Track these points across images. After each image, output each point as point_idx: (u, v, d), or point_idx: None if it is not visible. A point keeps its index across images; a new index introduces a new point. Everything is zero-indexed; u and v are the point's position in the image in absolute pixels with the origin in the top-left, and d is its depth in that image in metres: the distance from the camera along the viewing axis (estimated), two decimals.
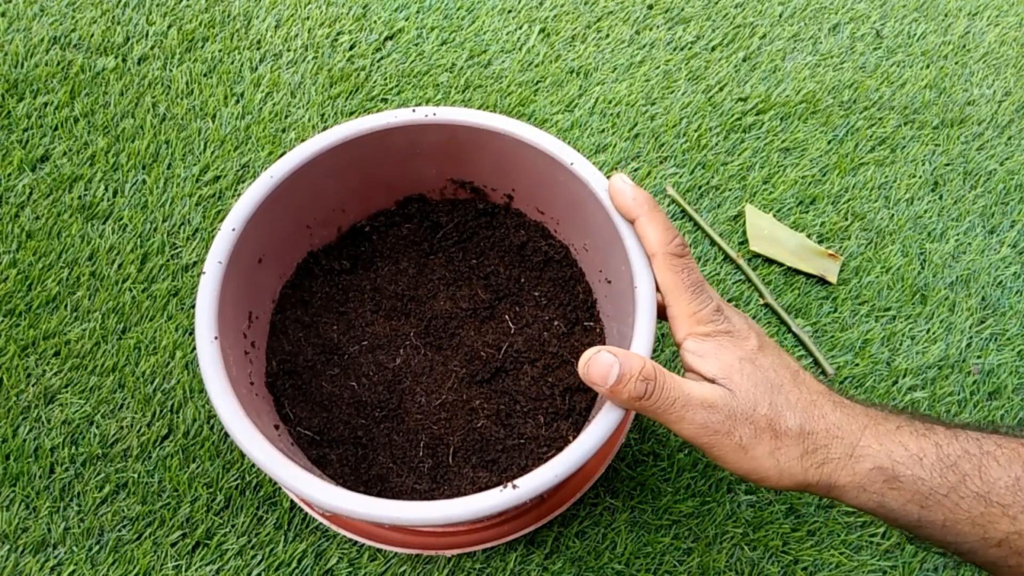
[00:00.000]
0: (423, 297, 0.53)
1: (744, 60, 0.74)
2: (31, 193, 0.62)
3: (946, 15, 0.79)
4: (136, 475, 0.53)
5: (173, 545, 0.51)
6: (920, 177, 0.70)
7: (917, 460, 0.35)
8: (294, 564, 0.51)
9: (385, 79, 0.70)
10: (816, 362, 0.61)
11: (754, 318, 0.63)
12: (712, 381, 0.37)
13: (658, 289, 0.41)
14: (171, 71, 0.69)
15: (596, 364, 0.37)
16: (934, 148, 0.71)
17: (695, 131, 0.70)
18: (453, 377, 0.50)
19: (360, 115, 0.68)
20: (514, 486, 0.37)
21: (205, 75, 0.69)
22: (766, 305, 0.63)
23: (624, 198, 0.41)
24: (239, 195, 0.55)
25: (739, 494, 0.55)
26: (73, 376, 0.56)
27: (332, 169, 0.48)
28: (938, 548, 0.37)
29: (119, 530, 0.52)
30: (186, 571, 0.51)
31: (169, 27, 0.71)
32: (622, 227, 0.43)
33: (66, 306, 0.58)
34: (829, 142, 0.71)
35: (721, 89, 0.72)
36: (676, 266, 0.39)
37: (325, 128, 0.67)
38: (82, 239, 0.61)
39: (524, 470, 0.44)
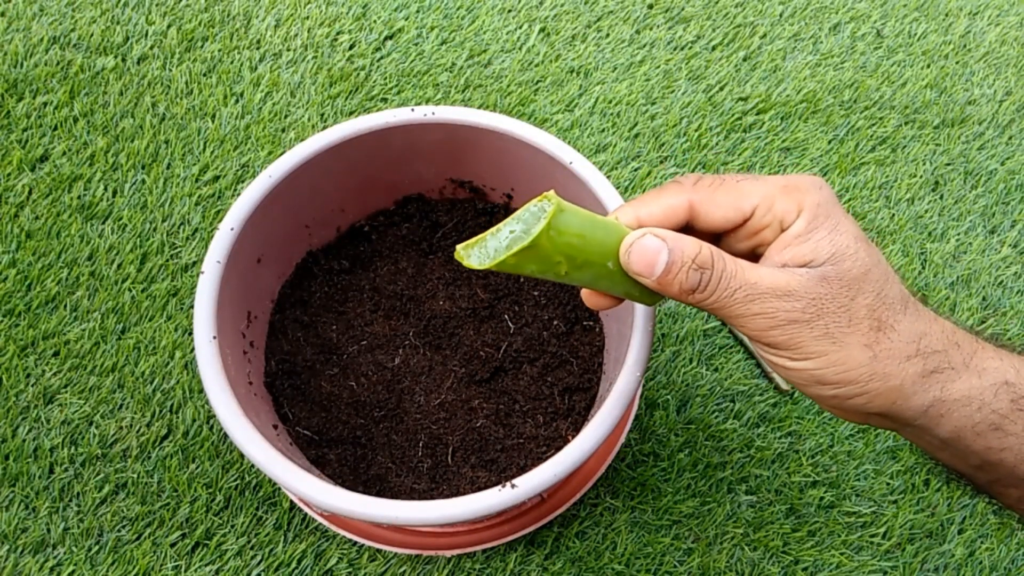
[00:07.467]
0: (422, 297, 0.53)
1: (744, 60, 0.74)
2: (30, 193, 0.62)
3: (947, 15, 0.79)
4: (135, 475, 0.53)
5: (172, 545, 0.51)
6: (921, 177, 0.69)
7: None
8: (294, 564, 0.51)
9: (385, 79, 0.70)
10: None
11: None
12: (805, 265, 0.30)
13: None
14: (171, 71, 0.69)
15: (640, 251, 0.30)
16: (935, 148, 0.71)
17: (695, 131, 0.70)
18: (452, 377, 0.50)
19: (360, 115, 0.68)
20: (513, 486, 0.37)
21: (205, 75, 0.69)
22: None
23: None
24: (238, 195, 0.54)
25: (739, 494, 0.55)
26: (72, 376, 0.56)
27: (331, 169, 0.48)
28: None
29: (118, 530, 0.52)
30: (185, 571, 0.51)
31: (169, 27, 0.71)
32: None
33: (65, 306, 0.58)
34: (830, 142, 0.71)
35: (721, 89, 0.72)
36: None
37: (325, 128, 0.66)
38: (81, 239, 0.61)
39: (523, 470, 0.44)
